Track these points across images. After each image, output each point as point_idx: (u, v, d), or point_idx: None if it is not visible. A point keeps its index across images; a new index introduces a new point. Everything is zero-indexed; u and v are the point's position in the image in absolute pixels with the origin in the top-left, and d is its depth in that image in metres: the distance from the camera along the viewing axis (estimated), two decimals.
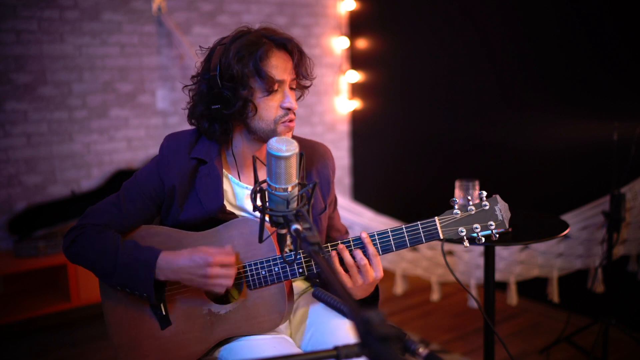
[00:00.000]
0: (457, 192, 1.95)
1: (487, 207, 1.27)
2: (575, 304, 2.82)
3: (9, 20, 3.07)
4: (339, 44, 4.27)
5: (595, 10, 2.76)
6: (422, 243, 1.29)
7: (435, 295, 3.07)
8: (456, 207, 1.28)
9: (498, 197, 1.29)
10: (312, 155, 1.49)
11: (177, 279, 1.30)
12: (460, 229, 1.27)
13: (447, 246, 2.89)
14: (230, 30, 1.42)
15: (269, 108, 1.34)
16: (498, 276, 2.77)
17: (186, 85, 1.42)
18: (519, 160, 3.16)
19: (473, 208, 1.27)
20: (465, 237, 1.28)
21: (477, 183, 1.93)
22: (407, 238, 1.28)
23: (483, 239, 1.28)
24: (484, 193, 1.28)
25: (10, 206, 3.15)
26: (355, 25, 4.22)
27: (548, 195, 3.03)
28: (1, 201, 3.13)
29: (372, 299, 1.38)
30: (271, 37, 1.34)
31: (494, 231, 1.27)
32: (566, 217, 2.59)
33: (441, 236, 1.28)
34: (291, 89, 1.38)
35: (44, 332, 3.03)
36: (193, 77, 1.41)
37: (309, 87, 1.44)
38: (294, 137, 1.44)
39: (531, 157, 3.10)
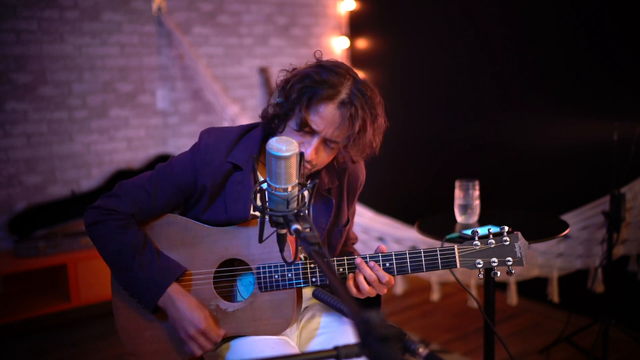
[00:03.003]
0: (457, 192, 1.95)
1: (507, 243, 1.29)
2: (575, 304, 2.82)
3: (9, 20, 3.07)
4: (339, 44, 4.27)
5: (595, 10, 2.76)
6: (438, 269, 1.30)
7: (435, 295, 3.07)
8: (477, 238, 1.30)
9: (519, 234, 1.30)
10: (346, 169, 1.49)
11: (168, 312, 1.33)
12: (477, 260, 1.29)
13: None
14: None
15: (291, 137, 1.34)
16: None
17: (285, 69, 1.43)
18: (519, 160, 3.16)
19: (493, 242, 1.29)
20: (481, 270, 1.30)
21: (477, 183, 1.93)
22: (424, 263, 1.29)
23: (499, 274, 1.30)
24: (506, 228, 1.29)
25: (10, 206, 3.15)
26: (355, 25, 4.22)
27: (548, 195, 3.03)
28: (1, 201, 3.13)
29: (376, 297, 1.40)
30: (344, 91, 1.26)
31: (510, 267, 1.29)
32: (566, 217, 2.59)
33: (458, 266, 1.29)
34: (332, 141, 1.30)
35: (44, 332, 3.03)
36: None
37: (358, 156, 1.38)
38: None
39: (531, 157, 3.10)
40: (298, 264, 1.31)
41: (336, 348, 0.72)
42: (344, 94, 1.26)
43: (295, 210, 1.04)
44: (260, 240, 1.12)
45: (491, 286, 1.92)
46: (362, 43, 4.19)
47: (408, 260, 1.29)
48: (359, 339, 0.67)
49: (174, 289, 1.32)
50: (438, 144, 3.67)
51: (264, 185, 1.07)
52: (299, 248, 1.35)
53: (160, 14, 3.47)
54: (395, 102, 4.00)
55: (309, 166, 1.32)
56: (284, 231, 1.09)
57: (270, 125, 1.36)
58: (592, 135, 2.75)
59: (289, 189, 1.05)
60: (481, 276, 1.30)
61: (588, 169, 2.84)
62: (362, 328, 0.66)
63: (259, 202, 1.08)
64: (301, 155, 1.09)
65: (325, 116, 1.26)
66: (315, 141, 1.29)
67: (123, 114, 3.46)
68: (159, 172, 1.38)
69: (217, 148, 1.36)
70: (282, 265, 1.31)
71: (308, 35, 4.14)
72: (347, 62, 4.28)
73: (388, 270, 1.29)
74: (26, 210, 3.14)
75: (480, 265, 1.28)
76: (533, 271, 2.73)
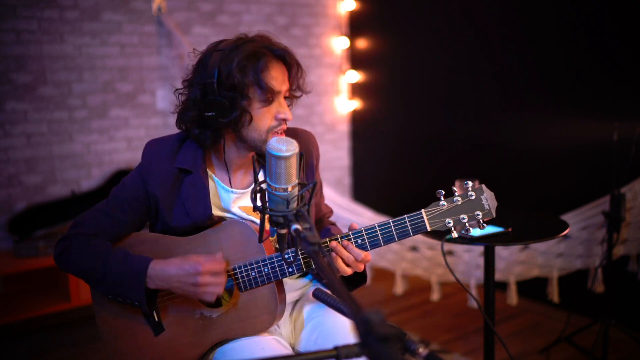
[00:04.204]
0: (457, 192, 1.95)
1: (474, 197, 1.27)
2: (575, 304, 2.82)
3: (9, 20, 3.07)
4: (339, 44, 4.27)
5: (595, 10, 2.76)
6: (410, 236, 1.29)
7: (435, 295, 3.07)
8: (442, 198, 1.28)
9: (484, 186, 1.29)
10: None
11: (167, 288, 1.31)
12: (447, 220, 1.27)
13: (447, 246, 2.89)
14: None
15: (264, 118, 1.33)
16: (498, 276, 2.77)
17: (177, 89, 1.41)
18: (519, 160, 3.16)
19: (459, 199, 1.27)
20: (453, 228, 1.28)
21: (477, 183, 1.93)
22: (394, 232, 1.28)
23: (471, 230, 1.28)
24: (470, 183, 1.28)
25: (10, 206, 3.15)
26: (355, 25, 4.22)
27: (548, 195, 3.03)
28: (1, 201, 3.13)
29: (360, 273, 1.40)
30: (270, 47, 1.34)
31: (481, 221, 1.27)
32: (566, 217, 2.59)
33: (428, 228, 1.28)
34: (285, 98, 1.38)
35: (44, 332, 3.03)
36: (185, 81, 1.39)
37: (299, 97, 1.44)
38: None
39: (531, 157, 3.10)
40: (272, 257, 1.30)
41: (336, 348, 0.72)
42: (270, 49, 1.33)
43: (295, 210, 1.04)
44: (260, 240, 1.12)
45: (491, 286, 1.92)
46: (362, 43, 4.18)
47: (379, 233, 1.28)
48: (359, 339, 0.67)
49: (154, 265, 1.30)
50: (438, 144, 3.67)
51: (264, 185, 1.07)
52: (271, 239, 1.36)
53: (160, 14, 3.47)
54: (395, 102, 4.01)
55: (285, 127, 1.37)
56: (284, 231, 1.09)
57: (224, 122, 1.32)
58: (592, 135, 2.75)
59: (289, 189, 1.05)
60: (454, 235, 1.28)
61: (588, 169, 2.84)
62: (362, 328, 0.66)
63: (259, 202, 1.08)
64: (301, 155, 1.09)
65: (277, 76, 1.32)
66: (282, 101, 1.35)
67: (123, 114, 3.46)
68: (114, 194, 1.41)
69: (160, 157, 1.39)
70: (257, 262, 1.31)
71: (308, 35, 4.13)
72: (347, 62, 4.28)
73: (361, 246, 1.29)
74: (26, 210, 3.14)
75: (450, 224, 1.26)
76: (533, 271, 2.73)
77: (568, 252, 2.63)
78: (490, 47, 3.29)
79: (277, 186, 1.04)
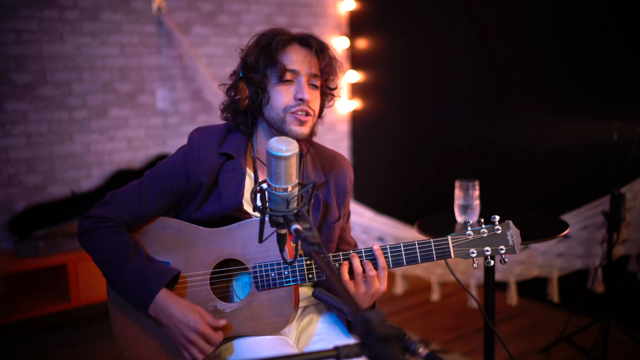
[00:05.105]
0: (457, 192, 1.95)
1: (500, 232, 1.30)
2: (575, 304, 2.82)
3: (9, 20, 3.07)
4: (339, 44, 4.27)
5: (595, 10, 2.77)
6: (433, 260, 1.30)
7: (435, 295, 3.07)
8: (469, 228, 1.30)
9: (511, 222, 1.31)
10: (332, 164, 1.50)
11: (162, 322, 1.32)
12: (471, 250, 1.30)
13: None
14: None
15: (280, 97, 1.34)
16: (498, 276, 2.77)
17: (223, 84, 1.46)
18: (519, 160, 3.16)
19: (485, 231, 1.30)
20: (475, 259, 1.30)
21: (477, 183, 1.93)
22: (418, 254, 1.29)
23: (492, 262, 1.31)
24: (497, 217, 1.31)
25: (10, 206, 3.15)
26: (355, 25, 4.22)
27: (548, 195, 3.03)
28: (1, 201, 3.13)
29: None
30: (296, 34, 1.38)
31: (503, 255, 1.30)
32: (566, 217, 2.59)
33: (452, 255, 1.29)
34: (312, 85, 1.38)
35: (44, 332, 3.03)
36: (232, 74, 1.45)
37: (334, 89, 1.44)
38: (316, 145, 1.47)
39: (531, 157, 3.11)
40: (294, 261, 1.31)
41: (336, 348, 0.72)
42: (295, 36, 1.37)
43: (295, 210, 1.04)
44: (261, 240, 1.12)
45: (491, 286, 1.92)
46: (362, 43, 4.19)
47: (403, 252, 1.29)
48: (359, 339, 0.67)
49: (162, 296, 1.30)
50: (438, 144, 3.67)
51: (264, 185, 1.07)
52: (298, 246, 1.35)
53: (160, 14, 3.47)
54: (395, 102, 4.01)
55: (310, 111, 1.36)
56: (284, 231, 1.09)
57: (245, 101, 1.38)
58: (592, 135, 2.75)
59: (289, 189, 1.05)
60: (475, 266, 1.31)
61: (588, 169, 2.84)
62: (362, 328, 0.66)
63: (259, 202, 1.08)
64: (301, 155, 1.09)
65: (296, 57, 1.35)
66: (302, 80, 1.35)
67: (123, 114, 3.46)
68: (149, 177, 1.39)
69: (210, 144, 1.39)
70: (278, 264, 1.31)
71: None
72: (347, 62, 4.28)
73: None
74: (26, 210, 3.14)
75: (474, 255, 1.29)
76: (533, 271, 2.73)
77: (568, 252, 2.63)
78: (490, 47, 3.29)
79: (277, 186, 1.04)
